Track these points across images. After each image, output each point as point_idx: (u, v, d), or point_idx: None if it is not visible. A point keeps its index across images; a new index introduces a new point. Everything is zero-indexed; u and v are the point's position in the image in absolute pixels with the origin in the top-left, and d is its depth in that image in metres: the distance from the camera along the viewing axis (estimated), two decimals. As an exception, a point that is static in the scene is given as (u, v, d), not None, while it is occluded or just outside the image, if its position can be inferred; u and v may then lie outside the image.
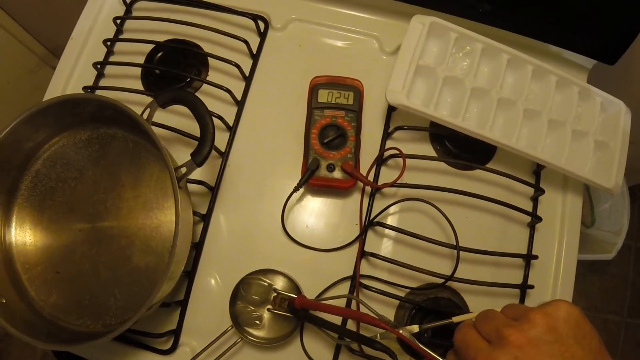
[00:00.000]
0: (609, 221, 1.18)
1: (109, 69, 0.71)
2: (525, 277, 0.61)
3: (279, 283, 0.58)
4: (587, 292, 1.50)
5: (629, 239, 1.22)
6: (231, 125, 0.66)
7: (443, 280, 0.56)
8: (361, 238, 0.61)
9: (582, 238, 0.66)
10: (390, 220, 0.63)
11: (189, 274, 0.61)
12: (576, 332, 0.38)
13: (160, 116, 0.58)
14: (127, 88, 0.66)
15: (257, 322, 0.57)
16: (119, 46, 0.72)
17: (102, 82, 0.70)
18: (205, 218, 0.62)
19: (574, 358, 0.37)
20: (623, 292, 1.51)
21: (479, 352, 0.40)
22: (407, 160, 0.60)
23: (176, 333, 0.60)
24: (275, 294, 0.57)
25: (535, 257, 0.61)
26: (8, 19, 0.97)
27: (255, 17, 0.69)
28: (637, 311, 1.49)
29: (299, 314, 0.55)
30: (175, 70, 0.68)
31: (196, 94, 0.66)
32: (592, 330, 0.39)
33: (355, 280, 0.59)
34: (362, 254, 0.61)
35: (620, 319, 1.48)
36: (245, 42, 0.67)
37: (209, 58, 0.69)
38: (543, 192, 0.63)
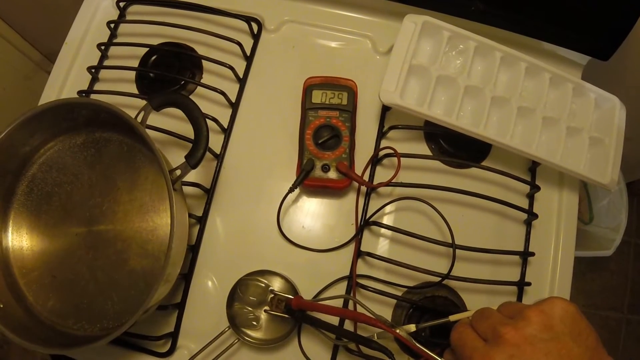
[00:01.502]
0: (607, 218, 1.19)
1: (103, 73, 0.71)
2: (523, 274, 0.61)
3: (276, 284, 0.58)
4: (587, 290, 1.50)
5: (627, 236, 1.22)
6: (226, 127, 0.66)
7: (440, 279, 0.56)
8: (357, 238, 0.61)
9: (581, 235, 0.66)
10: (386, 220, 0.63)
11: (186, 277, 0.61)
12: (572, 329, 0.38)
13: (155, 119, 0.58)
14: (121, 92, 0.66)
15: (254, 323, 0.57)
16: (113, 50, 0.72)
17: (97, 86, 0.70)
18: (201, 220, 0.62)
19: (570, 355, 0.37)
20: (623, 289, 1.50)
21: (475, 350, 0.40)
22: (402, 159, 0.60)
23: (174, 336, 0.60)
24: (272, 295, 0.57)
25: (532, 254, 0.61)
26: (3, 25, 0.97)
27: (248, 19, 0.69)
28: (637, 308, 1.49)
29: (296, 314, 0.55)
30: (169, 73, 0.68)
31: (190, 96, 0.67)
32: (589, 327, 0.39)
33: (352, 280, 0.59)
34: (359, 254, 0.61)
35: (621, 315, 1.48)
36: (239, 44, 0.68)
37: (203, 61, 0.69)
38: (539, 189, 0.63)
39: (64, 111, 0.57)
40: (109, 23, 0.71)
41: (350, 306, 0.59)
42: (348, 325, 0.59)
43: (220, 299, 0.58)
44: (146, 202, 0.59)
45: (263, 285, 0.58)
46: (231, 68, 0.66)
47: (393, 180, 0.60)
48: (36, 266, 0.59)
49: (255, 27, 0.71)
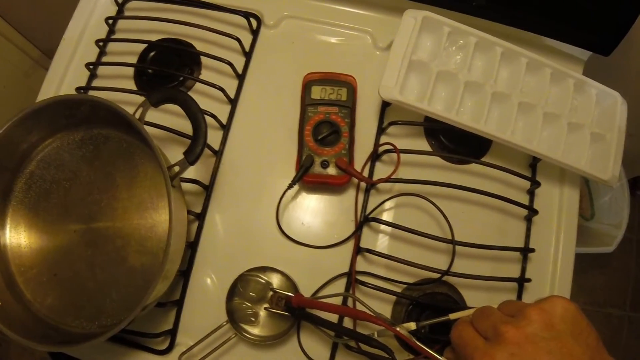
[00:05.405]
0: (609, 214, 1.18)
1: (101, 70, 0.70)
2: (523, 270, 0.61)
3: (276, 280, 0.58)
4: (589, 287, 1.49)
5: (629, 232, 1.21)
6: (225, 123, 0.66)
7: (439, 275, 0.56)
8: (357, 234, 0.61)
9: (582, 231, 0.65)
10: (385, 216, 0.63)
11: (185, 274, 0.61)
12: (573, 328, 0.38)
13: (153, 116, 0.58)
14: (120, 88, 0.66)
15: (252, 319, 0.56)
16: (111, 46, 0.72)
17: (95, 83, 0.70)
18: (200, 217, 0.62)
19: (571, 354, 0.37)
20: (625, 286, 1.50)
21: (476, 349, 0.40)
22: (401, 155, 0.60)
23: (172, 333, 0.59)
24: (272, 293, 0.56)
25: (532, 250, 0.61)
26: (1, 22, 0.97)
27: (247, 15, 0.69)
28: None
29: (296, 312, 0.55)
30: (168, 69, 0.68)
31: (190, 92, 0.67)
32: (589, 326, 0.39)
33: (352, 277, 0.59)
34: (358, 250, 0.60)
35: (623, 313, 1.48)
36: (238, 40, 0.67)
37: (201, 57, 0.69)
38: (539, 185, 0.62)
39: (62, 108, 0.56)
40: (107, 19, 0.71)
41: (350, 303, 0.59)
42: (347, 323, 0.58)
43: (219, 296, 0.58)
44: (145, 199, 0.58)
45: (263, 282, 0.57)
46: (230, 64, 0.66)
47: (393, 177, 0.59)
48: (34, 264, 0.58)
49: (254, 22, 0.70)
